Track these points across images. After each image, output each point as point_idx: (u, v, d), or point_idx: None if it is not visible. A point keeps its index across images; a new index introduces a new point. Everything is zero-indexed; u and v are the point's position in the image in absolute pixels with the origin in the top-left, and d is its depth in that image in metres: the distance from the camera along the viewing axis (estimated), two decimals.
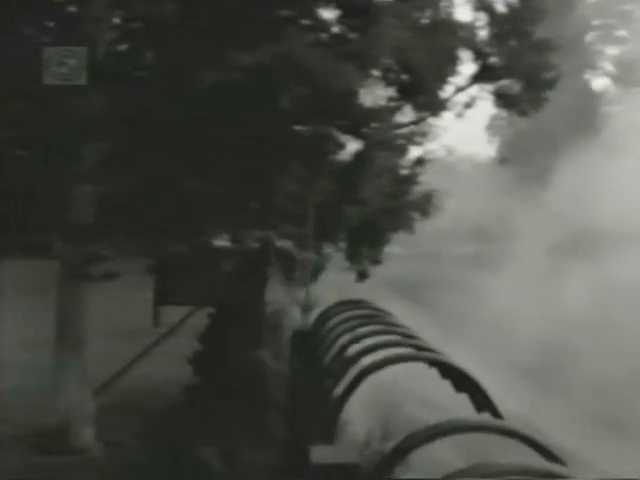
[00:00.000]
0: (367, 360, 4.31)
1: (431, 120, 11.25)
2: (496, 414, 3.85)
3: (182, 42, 7.24)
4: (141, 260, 11.80)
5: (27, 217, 8.43)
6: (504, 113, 28.35)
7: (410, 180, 11.24)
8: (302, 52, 6.22)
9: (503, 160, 21.12)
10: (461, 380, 4.25)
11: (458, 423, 3.00)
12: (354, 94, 6.63)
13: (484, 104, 12.77)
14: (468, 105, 11.48)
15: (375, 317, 6.08)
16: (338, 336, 5.44)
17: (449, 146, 15.38)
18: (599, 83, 39.49)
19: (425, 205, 11.24)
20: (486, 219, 32.55)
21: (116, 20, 8.89)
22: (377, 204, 8.69)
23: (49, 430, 9.51)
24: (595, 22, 38.63)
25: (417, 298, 22.97)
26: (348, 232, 10.39)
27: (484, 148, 39.08)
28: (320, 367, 5.20)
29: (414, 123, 11.10)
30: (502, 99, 11.65)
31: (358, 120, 7.05)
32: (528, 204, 28.80)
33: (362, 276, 11.86)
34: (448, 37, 10.03)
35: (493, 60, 11.17)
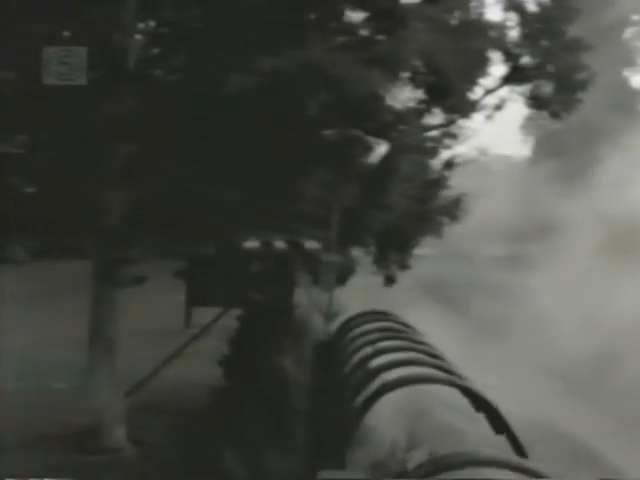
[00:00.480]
0: (388, 376, 4.28)
1: (461, 122, 11.13)
2: (512, 437, 3.83)
3: (207, 47, 7.27)
4: (173, 262, 11.92)
5: (57, 220, 8.57)
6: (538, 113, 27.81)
7: (439, 184, 11.10)
8: (326, 57, 6.20)
9: (533, 161, 20.78)
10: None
11: (479, 457, 2.98)
12: (380, 98, 6.57)
13: (518, 104, 12.56)
14: (498, 107, 11.29)
15: (398, 331, 6.02)
16: (360, 347, 5.41)
17: (483, 146, 15.13)
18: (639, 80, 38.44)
19: (454, 209, 11.08)
20: (521, 219, 32.02)
21: (147, 25, 8.98)
22: (404, 209, 8.60)
23: (81, 429, 9.65)
24: (635, 17, 37.77)
25: (448, 302, 22.38)
26: (375, 236, 10.30)
27: (519, 148, 38.51)
28: (341, 378, 5.18)
29: (443, 126, 10.96)
30: (533, 101, 11.42)
31: (384, 124, 6.99)
32: (564, 204, 28.23)
33: (390, 280, 11.76)
34: (477, 38, 9.86)
35: (524, 61, 10.96)
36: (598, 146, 27.49)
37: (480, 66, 10.32)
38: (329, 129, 6.85)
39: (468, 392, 4.27)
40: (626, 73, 35.95)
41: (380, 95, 6.50)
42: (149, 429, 9.93)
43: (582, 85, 11.23)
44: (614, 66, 30.90)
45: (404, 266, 11.57)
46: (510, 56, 10.97)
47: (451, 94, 9.60)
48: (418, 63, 7.69)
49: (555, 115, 11.87)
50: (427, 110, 10.47)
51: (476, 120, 11.68)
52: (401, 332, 6.01)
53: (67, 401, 9.94)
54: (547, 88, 11.47)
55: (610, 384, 15.44)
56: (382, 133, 7.13)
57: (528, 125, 34.20)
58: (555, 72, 10.99)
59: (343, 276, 12.71)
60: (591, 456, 11.15)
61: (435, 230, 11.51)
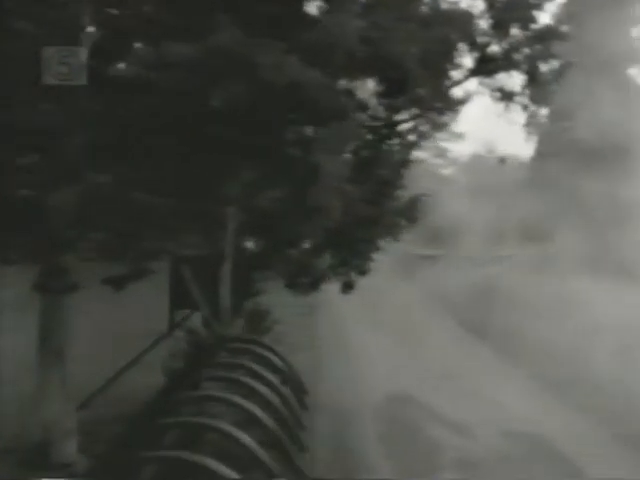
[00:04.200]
0: None
1: (434, 118, 10.51)
2: None
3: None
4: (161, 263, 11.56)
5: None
6: (542, 111, 27.07)
7: (393, 184, 10.45)
8: (238, 42, 5.69)
9: (502, 161, 19.92)
10: None
11: None
12: (304, 88, 6.03)
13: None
14: (462, 101, 10.65)
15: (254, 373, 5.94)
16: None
17: (490, 145, 14.38)
18: None
19: (410, 211, 10.44)
20: (526, 219, 31.33)
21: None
22: (352, 211, 8.01)
23: (31, 443, 9.26)
24: None
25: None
26: (327, 241, 9.72)
27: (524, 147, 37.95)
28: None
29: (405, 121, 10.34)
30: (500, 93, 10.75)
31: (316, 116, 6.43)
32: (572, 204, 27.48)
33: (348, 287, 11.18)
34: (440, 26, 9.23)
35: (491, 51, 10.31)
36: (600, 144, 26.75)
37: (445, 57, 9.69)
38: (258, 124, 6.33)
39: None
40: (633, 71, 35.10)
41: (304, 85, 5.97)
42: (104, 440, 9.55)
43: (553, 76, 10.54)
44: (620, 64, 30.16)
45: (363, 272, 10.97)
46: (476, 46, 10.32)
47: (410, 86, 8.98)
48: (364, 51, 7.10)
49: (525, 108, 11.18)
50: (394, 106, 9.89)
51: (485, 119, 11.10)
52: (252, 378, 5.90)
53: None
54: (519, 80, 10.81)
55: None
56: (316, 126, 6.57)
57: (530, 123, 33.49)
58: (523, 62, 10.32)
59: (317, 281, 12.19)
60: None
61: (392, 233, 10.87)
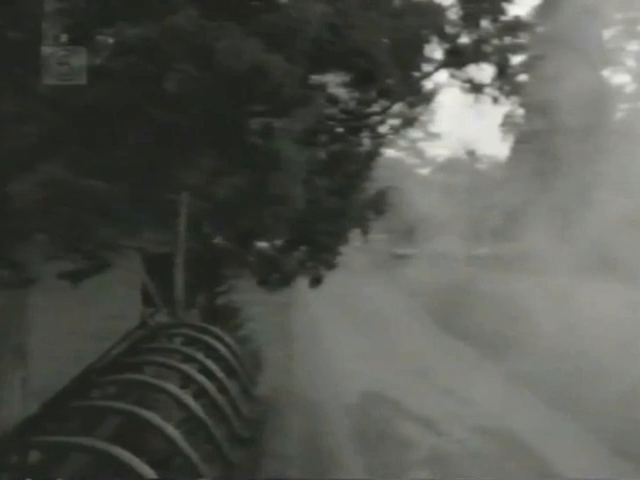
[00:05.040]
0: None
1: (404, 111, 10.40)
2: None
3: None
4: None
5: None
6: (517, 110, 27.23)
7: (361, 176, 10.28)
8: (195, 24, 5.51)
9: (471, 153, 19.95)
10: None
11: None
12: (265, 73, 5.86)
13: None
14: (431, 94, 10.52)
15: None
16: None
17: (469, 146, 14.27)
18: (620, 80, 38.00)
19: (378, 203, 10.29)
20: (503, 218, 31.45)
21: None
22: (321, 202, 7.84)
23: None
24: (617, 16, 37.15)
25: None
26: (296, 235, 9.53)
27: (501, 147, 38.18)
28: None
29: (375, 114, 10.19)
30: (470, 85, 10.66)
31: (277, 104, 6.27)
32: (544, 203, 27.62)
33: (316, 281, 11.00)
34: (412, 18, 9.10)
35: (461, 43, 10.22)
36: (575, 145, 26.93)
37: (415, 47, 9.55)
38: (217, 110, 6.13)
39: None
40: (606, 72, 35.40)
41: (265, 69, 5.80)
42: None
43: (522, 68, 10.49)
44: (593, 65, 30.42)
45: (331, 266, 10.80)
46: (446, 37, 10.21)
47: (379, 76, 8.80)
48: (330, 38, 6.93)
49: (495, 101, 11.08)
50: (364, 99, 9.74)
51: (462, 120, 11.02)
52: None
53: None
54: (488, 72, 10.73)
55: None
56: (276, 114, 6.39)
57: (506, 123, 33.66)
58: (493, 54, 10.23)
59: (288, 277, 12.03)
60: None
61: (360, 226, 10.71)
